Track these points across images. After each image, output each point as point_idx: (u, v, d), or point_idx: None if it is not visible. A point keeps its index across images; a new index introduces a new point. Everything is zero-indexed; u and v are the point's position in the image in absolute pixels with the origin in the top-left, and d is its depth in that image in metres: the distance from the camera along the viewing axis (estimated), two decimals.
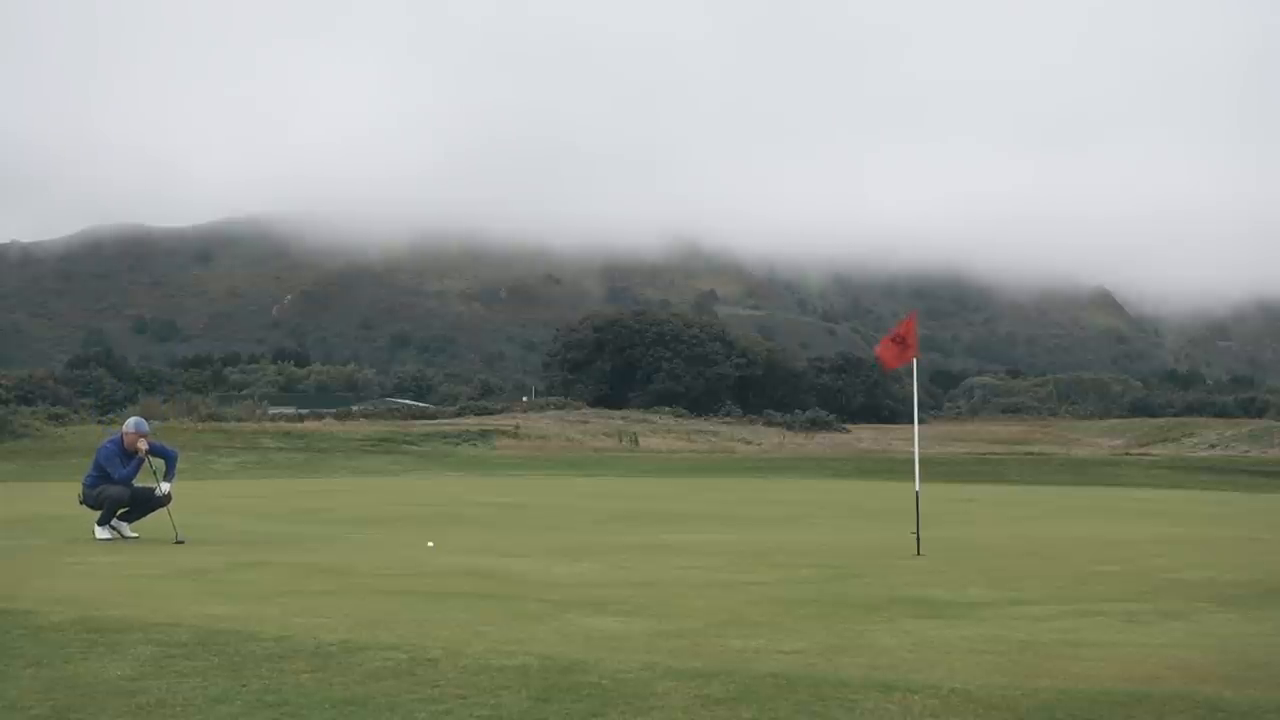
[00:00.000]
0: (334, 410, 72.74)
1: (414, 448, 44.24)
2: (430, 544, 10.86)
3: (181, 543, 10.96)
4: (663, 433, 60.65)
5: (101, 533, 11.57)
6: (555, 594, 7.24)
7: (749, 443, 57.89)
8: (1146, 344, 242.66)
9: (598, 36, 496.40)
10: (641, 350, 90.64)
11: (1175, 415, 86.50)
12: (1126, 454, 52.51)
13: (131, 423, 12.23)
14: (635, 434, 57.22)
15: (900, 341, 11.46)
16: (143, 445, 11.89)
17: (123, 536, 11.59)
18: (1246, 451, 55.89)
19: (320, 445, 43.73)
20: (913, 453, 11.98)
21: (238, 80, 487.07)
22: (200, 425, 47.98)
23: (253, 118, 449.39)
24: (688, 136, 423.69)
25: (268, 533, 11.68)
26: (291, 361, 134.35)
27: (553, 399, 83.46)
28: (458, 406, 78.44)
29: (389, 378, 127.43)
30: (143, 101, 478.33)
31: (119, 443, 11.97)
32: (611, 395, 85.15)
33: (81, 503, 11.91)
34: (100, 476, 11.79)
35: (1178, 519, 17.71)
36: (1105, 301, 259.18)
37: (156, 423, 49.18)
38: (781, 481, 33.52)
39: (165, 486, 11.77)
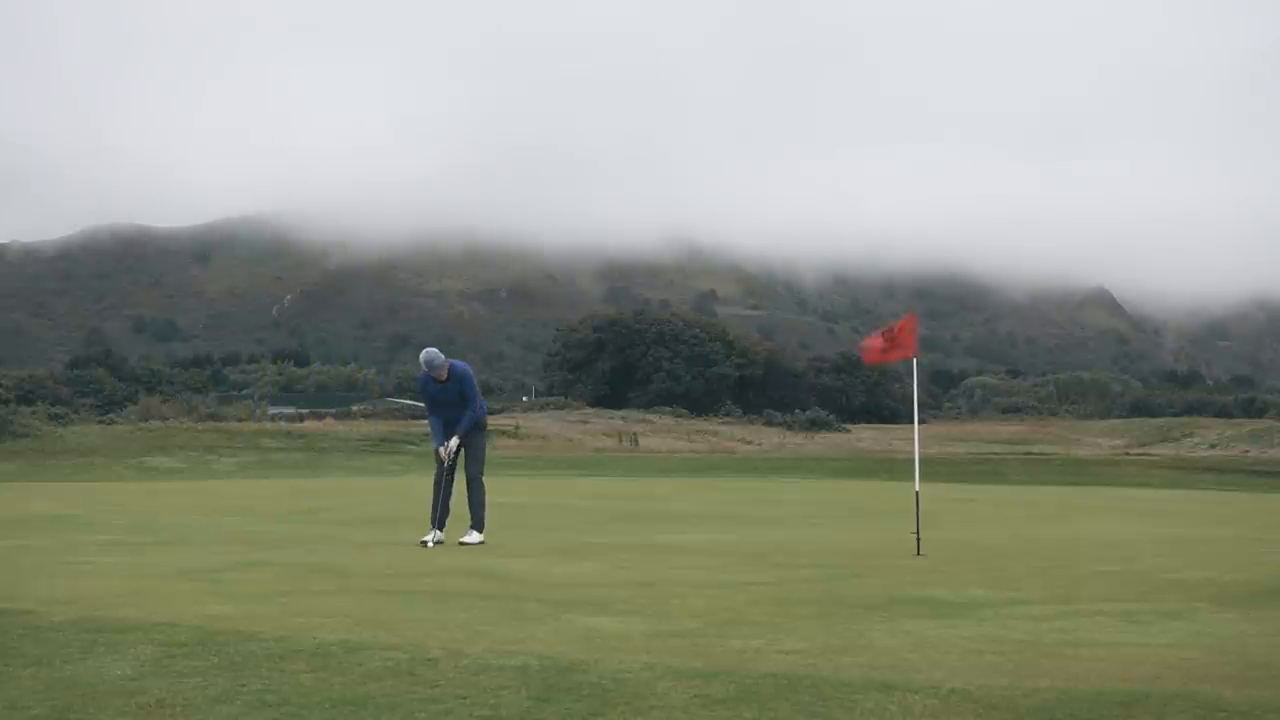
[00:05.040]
0: (334, 410, 72.86)
1: (414, 448, 44.22)
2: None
3: (439, 543, 10.43)
4: (663, 433, 60.69)
5: (431, 535, 10.58)
6: (555, 594, 7.24)
7: (749, 443, 57.90)
8: (1146, 344, 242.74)
9: (597, 36, 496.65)
10: (641, 350, 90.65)
11: (1175, 415, 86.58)
12: (1126, 454, 52.52)
13: (425, 355, 11.04)
14: (635, 434, 57.26)
15: (889, 339, 11.41)
16: (443, 375, 10.87)
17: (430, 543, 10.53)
18: (1246, 451, 55.94)
19: (320, 445, 43.78)
20: (913, 453, 11.97)
21: (237, 81, 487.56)
22: (200, 425, 48.01)
23: (252, 118, 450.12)
24: (687, 136, 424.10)
25: (268, 533, 11.66)
26: (291, 361, 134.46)
27: (553, 399, 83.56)
28: None
29: (389, 378, 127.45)
30: (143, 102, 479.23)
31: (427, 378, 11.06)
32: (611, 395, 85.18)
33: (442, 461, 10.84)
34: (427, 405, 10.95)
35: (1178, 519, 17.71)
36: (1105, 301, 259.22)
37: (156, 422, 49.31)
38: (781, 481, 33.53)
39: (453, 443, 10.86)
